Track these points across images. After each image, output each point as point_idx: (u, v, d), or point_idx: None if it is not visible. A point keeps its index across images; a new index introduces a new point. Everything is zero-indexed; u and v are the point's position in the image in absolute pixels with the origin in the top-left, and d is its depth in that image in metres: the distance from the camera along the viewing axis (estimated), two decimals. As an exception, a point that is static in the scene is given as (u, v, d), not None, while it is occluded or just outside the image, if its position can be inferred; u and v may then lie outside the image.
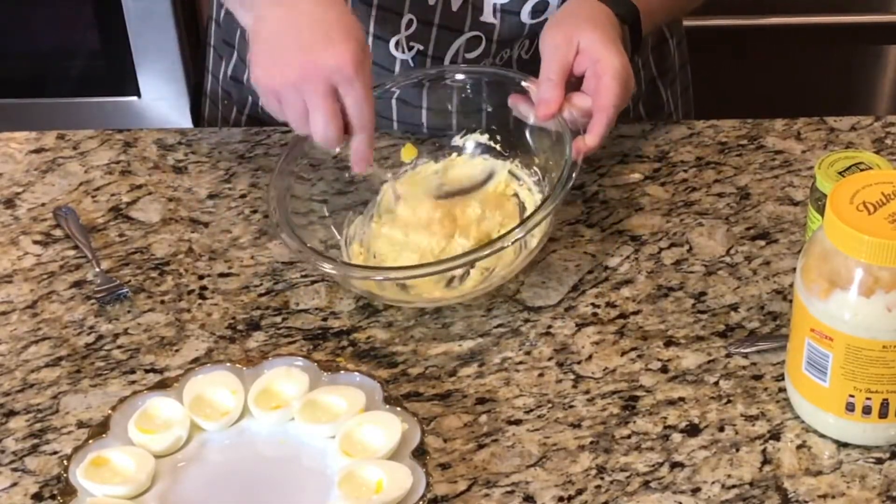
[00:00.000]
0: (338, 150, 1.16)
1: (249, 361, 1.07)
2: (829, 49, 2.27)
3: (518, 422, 1.04)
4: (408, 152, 1.28)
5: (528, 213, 1.19)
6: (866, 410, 0.99)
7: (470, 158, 1.26)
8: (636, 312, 1.14)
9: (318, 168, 1.20)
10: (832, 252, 0.95)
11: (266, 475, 0.99)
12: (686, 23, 1.50)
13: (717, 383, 1.07)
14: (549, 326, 1.13)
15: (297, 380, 1.04)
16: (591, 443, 1.02)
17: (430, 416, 1.05)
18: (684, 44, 1.49)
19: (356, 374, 1.04)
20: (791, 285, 1.16)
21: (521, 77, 1.21)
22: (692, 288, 1.17)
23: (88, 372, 1.10)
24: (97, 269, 1.20)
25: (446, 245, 1.18)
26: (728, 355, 1.10)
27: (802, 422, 1.03)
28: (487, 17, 1.28)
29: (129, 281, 1.19)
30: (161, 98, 2.19)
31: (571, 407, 1.06)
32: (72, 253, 1.23)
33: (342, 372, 1.05)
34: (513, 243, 1.09)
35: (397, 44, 1.31)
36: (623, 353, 1.10)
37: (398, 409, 1.01)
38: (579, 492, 0.98)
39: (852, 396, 0.98)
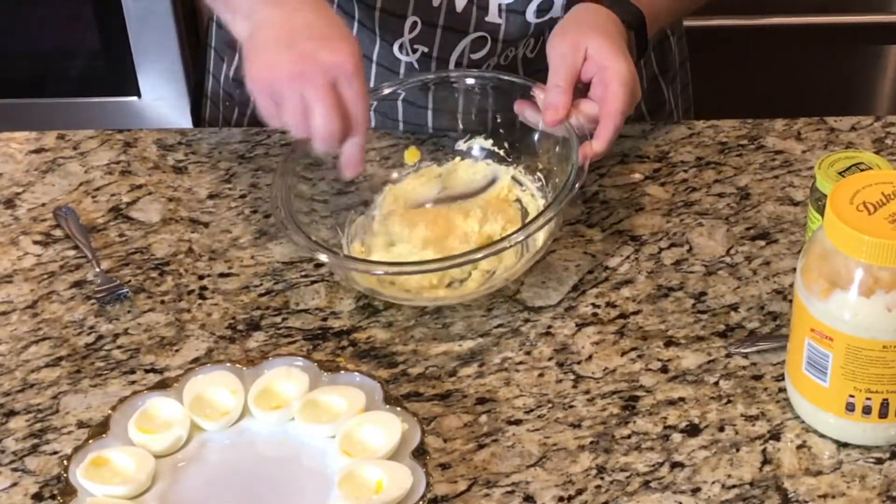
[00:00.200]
0: (336, 151, 1.15)
1: (249, 361, 1.07)
2: (829, 49, 2.27)
3: (518, 422, 1.04)
4: (411, 155, 1.28)
5: (530, 218, 1.19)
6: (866, 410, 0.99)
7: (473, 163, 1.26)
8: (636, 312, 1.14)
9: (319, 168, 1.20)
10: (832, 252, 0.95)
11: (266, 475, 0.99)
12: (686, 23, 1.50)
13: (717, 383, 1.07)
14: (550, 326, 1.13)
15: (297, 380, 1.04)
16: (592, 443, 1.02)
17: (430, 416, 1.05)
18: (684, 41, 1.49)
19: (356, 374, 1.04)
20: (791, 285, 1.16)
21: (527, 82, 1.21)
22: (692, 288, 1.17)
23: (88, 372, 1.10)
24: (97, 269, 1.20)
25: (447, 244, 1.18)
26: (728, 355, 1.10)
27: (802, 422, 1.03)
28: (493, 17, 1.28)
29: (130, 281, 1.19)
30: (161, 98, 2.19)
31: (571, 407, 1.06)
32: (72, 253, 1.23)
33: (342, 372, 1.05)
34: (515, 244, 1.10)
35: (401, 46, 1.31)
36: (623, 353, 1.10)
37: (398, 409, 1.01)
38: (579, 492, 0.98)
39: (852, 396, 0.98)
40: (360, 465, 0.97)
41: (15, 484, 1.00)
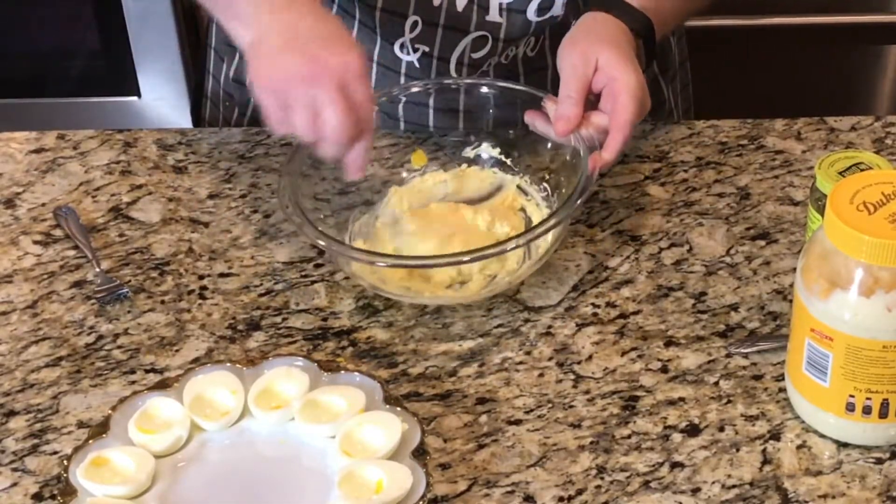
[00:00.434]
0: (342, 155, 1.14)
1: (249, 361, 1.07)
2: (829, 49, 2.27)
3: (518, 422, 1.04)
4: (418, 159, 1.28)
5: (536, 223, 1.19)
6: (866, 410, 0.99)
7: (479, 170, 1.26)
8: (636, 312, 1.14)
9: (322, 168, 1.20)
10: (832, 252, 0.95)
11: (266, 475, 0.99)
12: (686, 23, 1.50)
13: (717, 383, 1.07)
14: (550, 326, 1.13)
15: (297, 380, 1.04)
16: (592, 443, 1.02)
17: (430, 416, 1.05)
18: (684, 41, 1.49)
19: (356, 374, 1.04)
20: (791, 285, 1.16)
21: (534, 91, 1.22)
22: (692, 288, 1.17)
23: (88, 372, 1.10)
24: (97, 269, 1.20)
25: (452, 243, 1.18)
26: (728, 355, 1.10)
27: (802, 422, 1.03)
28: (493, 16, 1.28)
29: (130, 281, 1.19)
30: (161, 98, 2.19)
31: (571, 407, 1.06)
32: (72, 253, 1.23)
33: (342, 372, 1.05)
34: (521, 245, 1.10)
35: (402, 46, 1.31)
36: (623, 353, 1.10)
37: (398, 409, 1.01)
38: (579, 492, 0.98)
39: (852, 396, 0.98)
40: (360, 465, 0.97)
41: (15, 484, 1.00)
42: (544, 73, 1.35)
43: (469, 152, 1.28)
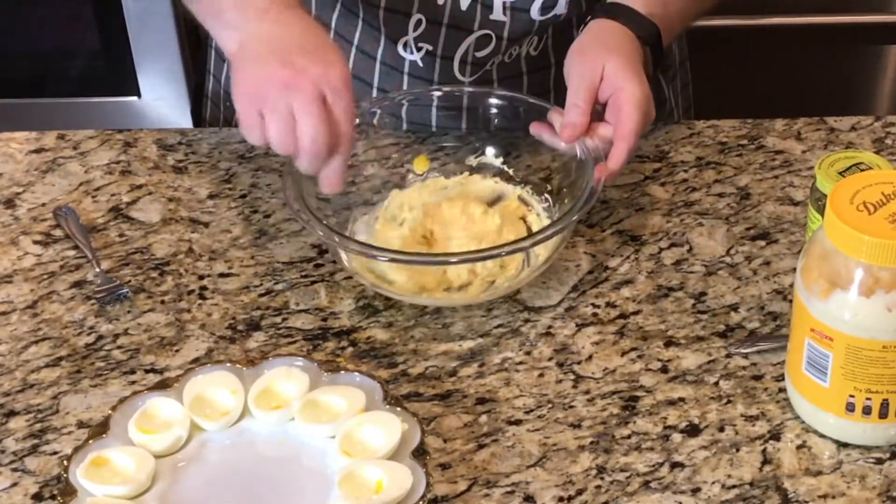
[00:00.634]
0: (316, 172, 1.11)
1: (249, 361, 1.07)
2: (829, 49, 2.27)
3: (518, 422, 1.04)
4: (420, 164, 1.28)
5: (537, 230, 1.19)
6: (866, 410, 0.99)
7: (481, 179, 1.26)
8: (636, 312, 1.14)
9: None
10: (832, 252, 0.95)
11: (266, 475, 0.99)
12: (687, 23, 1.50)
13: (717, 383, 1.07)
14: (550, 326, 1.13)
15: (297, 380, 1.04)
16: (592, 443, 1.02)
17: (430, 416, 1.05)
18: (684, 41, 1.49)
19: (356, 374, 1.04)
20: (791, 285, 1.16)
21: (538, 101, 1.23)
22: (692, 288, 1.17)
23: (88, 372, 1.10)
24: (97, 269, 1.20)
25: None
26: (728, 355, 1.10)
27: (802, 422, 1.03)
28: (497, 14, 1.28)
29: (129, 281, 1.19)
30: (161, 98, 2.19)
31: (571, 407, 1.06)
32: (72, 253, 1.23)
33: (342, 372, 1.05)
34: (524, 249, 1.10)
35: (405, 45, 1.31)
36: (623, 354, 1.10)
37: (398, 409, 1.01)
38: (579, 492, 0.98)
39: (852, 396, 0.98)
40: (360, 465, 0.97)
41: (15, 484, 1.00)
42: (547, 72, 1.35)
43: (472, 160, 1.27)
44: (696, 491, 0.98)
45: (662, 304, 1.15)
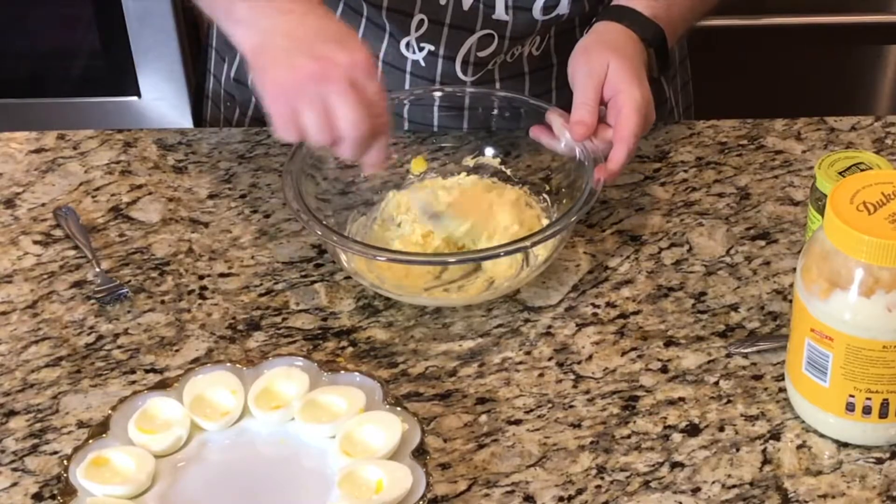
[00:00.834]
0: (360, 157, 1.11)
1: (249, 361, 1.07)
2: (829, 49, 2.27)
3: (518, 422, 1.04)
4: (417, 165, 1.28)
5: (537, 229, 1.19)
6: (866, 410, 0.99)
7: (478, 180, 1.26)
8: (636, 312, 1.14)
9: (321, 168, 1.20)
10: (832, 252, 0.95)
11: (266, 475, 0.99)
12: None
13: (717, 383, 1.07)
14: (550, 326, 1.13)
15: (297, 380, 1.04)
16: (592, 443, 1.02)
17: (430, 416, 1.05)
18: (684, 40, 1.49)
19: (356, 374, 1.04)
20: (791, 285, 1.16)
21: (539, 102, 1.23)
22: (692, 288, 1.17)
23: (88, 372, 1.10)
24: (97, 269, 1.20)
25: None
26: (728, 355, 1.10)
27: (802, 422, 1.03)
28: (500, 14, 1.28)
29: (129, 281, 1.19)
30: (161, 98, 2.19)
31: (571, 407, 1.06)
32: (72, 253, 1.23)
33: (342, 372, 1.05)
34: (522, 249, 1.10)
35: (408, 44, 1.31)
36: (623, 353, 1.10)
37: (398, 409, 1.01)
38: (579, 492, 0.98)
39: (852, 396, 0.98)
40: (360, 465, 0.97)
41: (15, 484, 1.00)
42: (549, 71, 1.35)
43: (469, 161, 1.27)
44: (696, 491, 0.98)
45: (662, 304, 1.15)
